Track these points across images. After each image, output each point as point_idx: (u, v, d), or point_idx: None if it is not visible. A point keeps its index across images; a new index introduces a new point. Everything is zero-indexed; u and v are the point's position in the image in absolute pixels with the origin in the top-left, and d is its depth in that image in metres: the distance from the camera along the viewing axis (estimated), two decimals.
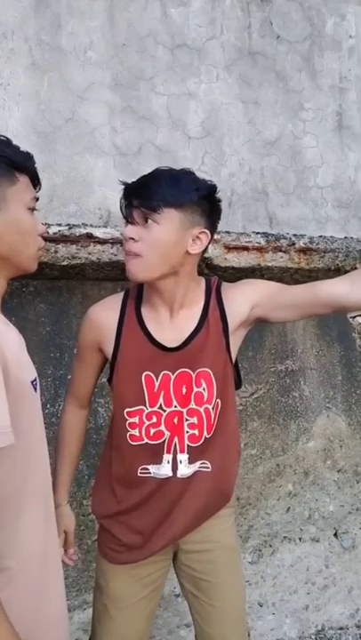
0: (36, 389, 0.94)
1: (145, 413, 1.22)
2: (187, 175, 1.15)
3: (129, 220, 1.13)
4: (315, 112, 2.00)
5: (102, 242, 1.61)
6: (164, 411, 1.21)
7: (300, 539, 2.06)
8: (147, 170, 1.74)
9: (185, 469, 1.23)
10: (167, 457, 1.23)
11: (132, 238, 1.11)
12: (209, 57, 1.84)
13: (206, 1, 1.84)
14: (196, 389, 1.21)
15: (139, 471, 1.23)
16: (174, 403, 1.21)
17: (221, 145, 1.86)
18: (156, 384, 1.21)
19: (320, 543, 2.09)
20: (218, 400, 1.23)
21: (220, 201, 1.19)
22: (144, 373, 1.21)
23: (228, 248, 1.72)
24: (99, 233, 1.61)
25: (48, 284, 1.74)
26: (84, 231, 1.60)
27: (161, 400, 1.21)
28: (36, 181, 0.97)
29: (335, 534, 2.12)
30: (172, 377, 1.20)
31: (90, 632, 1.42)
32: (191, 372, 1.20)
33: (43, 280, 1.72)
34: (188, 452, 1.23)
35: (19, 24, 1.62)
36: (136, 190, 1.13)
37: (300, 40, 1.98)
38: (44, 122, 1.65)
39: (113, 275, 1.72)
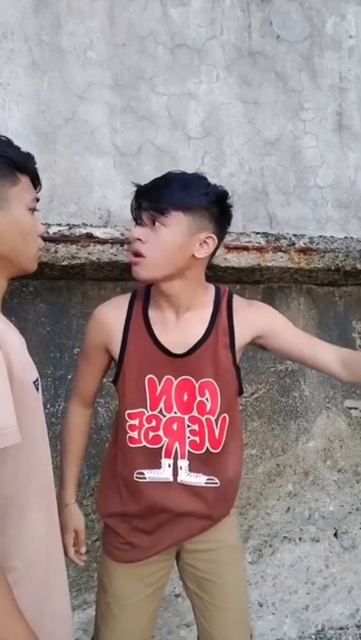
0: (38, 389, 0.94)
1: (145, 416, 1.22)
2: (197, 180, 1.16)
3: (138, 221, 1.15)
4: (315, 112, 2.00)
5: (102, 242, 1.61)
6: (164, 416, 1.21)
7: (300, 539, 2.06)
8: (147, 170, 1.75)
9: (185, 476, 1.23)
10: (167, 461, 1.22)
11: (140, 239, 1.12)
12: (209, 57, 1.84)
13: (206, 1, 1.84)
14: (199, 398, 1.21)
15: (135, 475, 1.23)
16: (175, 408, 1.21)
17: (221, 145, 1.86)
18: (158, 388, 1.21)
19: (320, 543, 2.09)
20: (224, 415, 1.23)
21: (230, 207, 1.19)
22: (147, 376, 1.21)
23: (228, 248, 1.72)
24: (99, 233, 1.61)
25: (48, 284, 1.74)
26: (84, 231, 1.60)
27: (162, 404, 1.21)
28: (36, 182, 0.97)
29: (335, 534, 2.12)
30: (175, 382, 1.20)
31: (90, 631, 1.42)
32: (194, 381, 1.20)
33: (43, 280, 1.71)
34: (188, 459, 1.22)
35: (19, 24, 1.62)
36: (146, 193, 1.14)
37: (300, 40, 1.98)
38: (44, 122, 1.65)
39: (113, 275, 1.72)
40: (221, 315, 1.22)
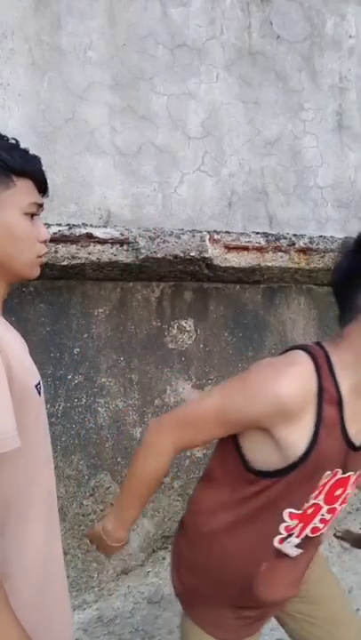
0: (40, 393, 0.92)
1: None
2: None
3: None
4: (315, 112, 2.00)
5: (102, 242, 1.61)
6: (308, 502, 1.02)
7: None
8: (147, 170, 1.75)
9: (289, 549, 1.07)
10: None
11: None
12: (209, 57, 1.84)
13: (206, 1, 1.84)
14: (348, 491, 1.06)
15: (261, 568, 1.06)
16: (321, 497, 1.03)
17: (221, 145, 1.86)
18: (324, 481, 1.01)
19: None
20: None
21: None
22: (326, 472, 0.99)
23: (228, 248, 1.72)
24: (99, 233, 1.61)
25: (48, 284, 1.74)
26: (84, 231, 1.60)
27: (315, 492, 1.02)
28: (41, 186, 0.95)
29: (335, 534, 2.11)
30: (339, 475, 1.02)
31: (90, 631, 1.41)
32: (354, 474, 1.04)
33: (43, 280, 1.71)
34: (302, 539, 1.06)
35: (19, 24, 1.62)
36: None
37: (300, 40, 1.98)
38: (44, 122, 1.65)
39: (113, 275, 1.72)
40: None
